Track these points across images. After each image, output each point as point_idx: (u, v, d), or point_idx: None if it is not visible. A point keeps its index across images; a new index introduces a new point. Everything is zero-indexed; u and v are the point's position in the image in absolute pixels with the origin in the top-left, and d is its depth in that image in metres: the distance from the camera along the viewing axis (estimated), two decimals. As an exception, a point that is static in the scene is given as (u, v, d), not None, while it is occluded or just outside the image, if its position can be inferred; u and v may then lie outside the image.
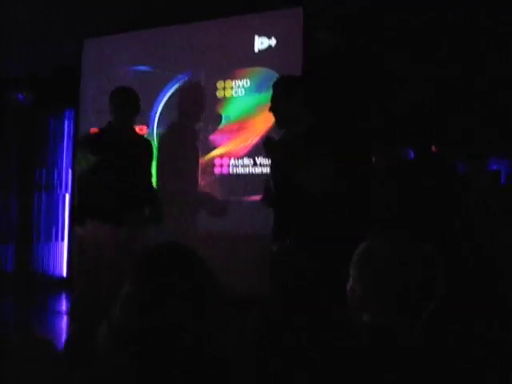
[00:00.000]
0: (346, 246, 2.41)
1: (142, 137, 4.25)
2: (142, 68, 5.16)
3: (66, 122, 7.15)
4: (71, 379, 1.37)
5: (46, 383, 1.39)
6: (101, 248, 3.45)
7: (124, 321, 1.32)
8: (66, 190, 7.00)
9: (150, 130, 5.04)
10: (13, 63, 6.13)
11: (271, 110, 3.05)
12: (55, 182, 7.15)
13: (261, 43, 4.64)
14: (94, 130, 4.52)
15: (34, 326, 4.68)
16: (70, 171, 6.87)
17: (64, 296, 6.28)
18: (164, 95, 5.02)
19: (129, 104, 3.61)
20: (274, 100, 3.05)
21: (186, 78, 4.95)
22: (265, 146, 3.04)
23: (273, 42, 4.62)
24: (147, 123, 5.04)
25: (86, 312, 3.47)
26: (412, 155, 4.90)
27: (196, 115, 4.93)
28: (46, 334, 4.31)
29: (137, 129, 4.87)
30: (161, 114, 5.05)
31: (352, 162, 2.97)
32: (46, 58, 5.91)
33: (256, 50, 4.67)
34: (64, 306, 6.01)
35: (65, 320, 5.10)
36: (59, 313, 5.62)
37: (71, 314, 3.74)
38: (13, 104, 6.66)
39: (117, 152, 3.54)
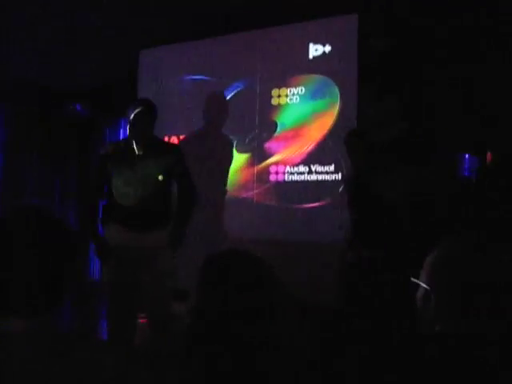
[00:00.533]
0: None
1: (165, 143, 4.23)
2: (198, 77, 5.22)
3: (122, 131, 7.29)
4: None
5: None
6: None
7: (196, 326, 1.34)
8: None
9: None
10: (71, 75, 6.28)
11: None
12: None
13: (315, 50, 4.64)
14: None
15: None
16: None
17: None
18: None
19: (143, 119, 3.53)
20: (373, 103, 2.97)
21: (242, 87, 4.99)
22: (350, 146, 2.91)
23: (327, 48, 4.61)
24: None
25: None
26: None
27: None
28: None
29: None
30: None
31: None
32: (104, 68, 6.04)
33: (311, 57, 4.67)
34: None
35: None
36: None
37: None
38: (71, 114, 6.83)
39: (133, 162, 3.53)
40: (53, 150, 7.07)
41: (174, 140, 5.13)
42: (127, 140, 3.62)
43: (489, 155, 4.60)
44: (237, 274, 1.37)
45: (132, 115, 3.49)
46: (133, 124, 3.50)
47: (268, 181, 4.79)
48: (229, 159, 4.95)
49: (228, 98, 5.07)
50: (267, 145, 4.83)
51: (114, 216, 3.51)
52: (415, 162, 2.74)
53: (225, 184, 4.95)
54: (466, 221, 3.47)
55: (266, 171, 4.80)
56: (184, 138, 5.19)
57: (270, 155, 4.80)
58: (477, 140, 4.41)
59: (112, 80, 6.19)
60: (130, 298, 3.48)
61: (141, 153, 3.52)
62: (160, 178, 3.51)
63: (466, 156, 4.93)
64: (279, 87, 4.81)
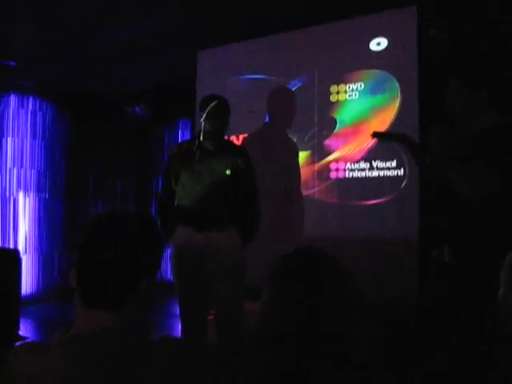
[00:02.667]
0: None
1: (235, 145, 4.18)
2: (255, 76, 5.23)
3: (180, 132, 7.39)
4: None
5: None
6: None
7: (266, 325, 1.34)
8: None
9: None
10: (129, 77, 6.40)
11: (446, 108, 2.74)
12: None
13: (375, 45, 4.59)
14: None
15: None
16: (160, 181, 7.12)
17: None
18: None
19: (220, 112, 3.55)
20: (449, 95, 2.73)
21: (300, 84, 4.97)
22: (434, 136, 2.73)
23: (386, 42, 4.55)
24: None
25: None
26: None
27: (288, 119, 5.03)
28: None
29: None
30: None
31: None
32: (162, 70, 6.12)
33: (370, 51, 4.61)
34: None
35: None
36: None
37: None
38: (130, 117, 6.96)
39: (203, 161, 3.53)
40: (114, 154, 7.23)
41: (234, 140, 5.16)
42: (196, 137, 3.63)
43: None
44: (315, 271, 1.36)
45: (208, 109, 3.50)
46: (210, 116, 3.50)
47: (329, 178, 4.76)
48: (298, 160, 4.97)
49: (286, 96, 5.07)
50: (327, 142, 4.80)
51: (182, 217, 3.55)
52: (498, 160, 2.52)
53: (298, 184, 4.94)
54: None
55: (326, 168, 4.78)
56: (247, 137, 5.20)
57: (329, 152, 4.77)
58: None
59: (170, 82, 6.28)
60: (201, 296, 3.52)
61: (212, 149, 3.55)
62: (228, 172, 3.52)
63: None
64: (338, 83, 4.78)
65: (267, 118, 5.11)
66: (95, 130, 7.03)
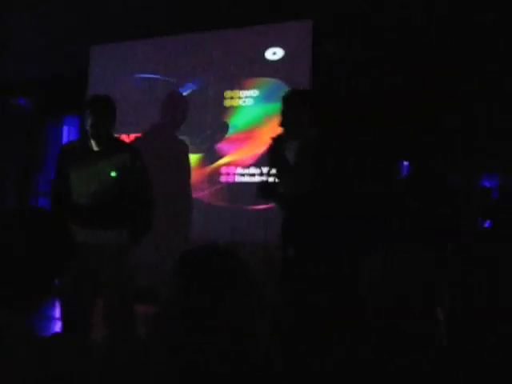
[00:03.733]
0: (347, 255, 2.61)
1: (124, 143, 4.17)
2: (149, 76, 5.18)
3: (66, 128, 7.16)
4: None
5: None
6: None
7: (166, 323, 1.34)
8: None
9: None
10: (18, 68, 6.13)
11: (281, 123, 3.20)
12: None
13: (272, 53, 4.69)
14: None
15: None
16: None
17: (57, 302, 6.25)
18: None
19: (105, 113, 3.51)
20: (284, 112, 3.19)
21: (194, 87, 4.98)
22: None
23: (281, 53, 4.67)
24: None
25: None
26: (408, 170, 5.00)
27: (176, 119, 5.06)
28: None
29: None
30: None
31: (351, 173, 3.10)
32: (52, 63, 5.91)
33: (265, 60, 4.71)
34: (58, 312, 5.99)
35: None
36: (54, 318, 5.61)
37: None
38: (14, 109, 6.65)
39: (89, 161, 3.51)
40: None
41: (124, 138, 5.06)
42: (85, 137, 3.58)
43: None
44: (215, 267, 1.37)
45: (91, 110, 3.45)
46: (92, 119, 3.45)
47: (219, 182, 4.80)
48: (188, 162, 4.97)
49: (180, 97, 5.06)
50: (219, 146, 4.84)
51: (71, 215, 3.48)
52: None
53: (186, 185, 4.94)
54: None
55: (217, 172, 4.81)
56: (139, 136, 5.13)
57: (221, 156, 4.82)
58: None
59: (60, 75, 6.07)
60: (84, 295, 3.45)
61: (97, 149, 3.50)
62: (113, 174, 3.49)
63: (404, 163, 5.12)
64: (232, 89, 4.84)
65: (159, 119, 5.06)
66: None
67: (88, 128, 3.49)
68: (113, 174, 3.49)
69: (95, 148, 3.51)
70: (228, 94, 4.86)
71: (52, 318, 5.51)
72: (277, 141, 3.21)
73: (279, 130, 4.56)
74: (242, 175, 4.70)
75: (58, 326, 5.03)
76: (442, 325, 1.52)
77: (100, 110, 3.48)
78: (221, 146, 4.83)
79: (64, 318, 3.54)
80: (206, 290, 1.30)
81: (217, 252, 1.42)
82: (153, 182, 3.67)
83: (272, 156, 3.27)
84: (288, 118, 3.17)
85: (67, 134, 7.15)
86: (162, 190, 4.76)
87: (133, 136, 5.11)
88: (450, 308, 1.54)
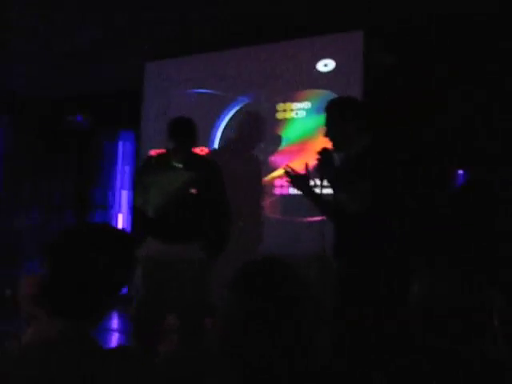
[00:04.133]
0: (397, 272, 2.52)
1: (205, 158, 4.26)
2: (203, 90, 5.26)
3: (121, 143, 7.31)
4: None
5: None
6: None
7: (227, 334, 1.35)
8: (120, 210, 7.14)
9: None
10: (74, 85, 6.31)
11: (326, 133, 3.13)
12: (109, 201, 7.31)
13: (322, 66, 4.70)
14: (153, 151, 4.63)
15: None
16: (123, 192, 7.05)
17: (116, 315, 6.37)
18: (224, 117, 5.10)
19: (186, 135, 3.67)
20: (328, 123, 3.12)
21: (247, 101, 5.03)
22: (321, 158, 3.09)
23: (333, 64, 4.67)
24: (207, 145, 5.13)
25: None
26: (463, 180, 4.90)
27: (252, 137, 5.00)
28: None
29: (198, 150, 4.98)
30: (221, 136, 5.13)
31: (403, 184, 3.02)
32: (108, 80, 6.07)
33: (317, 72, 4.72)
34: (116, 324, 6.11)
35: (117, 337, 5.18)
36: (113, 330, 5.70)
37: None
38: (71, 125, 6.84)
39: (169, 174, 3.61)
40: (52, 163, 7.07)
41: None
42: (165, 152, 3.72)
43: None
44: (277, 278, 1.38)
45: (173, 126, 3.62)
46: (176, 143, 3.60)
47: (274, 194, 4.83)
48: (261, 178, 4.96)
49: (233, 112, 5.10)
50: (272, 158, 4.87)
51: (149, 229, 3.59)
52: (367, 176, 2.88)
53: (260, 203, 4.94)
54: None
55: (271, 185, 4.84)
56: (212, 151, 5.17)
57: (275, 169, 4.84)
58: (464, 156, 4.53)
59: (115, 92, 6.22)
60: (157, 307, 3.53)
61: (178, 165, 3.60)
62: (193, 191, 3.57)
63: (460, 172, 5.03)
64: (285, 102, 4.87)
65: (233, 135, 5.11)
66: (34, 138, 6.87)
67: (173, 147, 3.65)
68: (192, 187, 3.60)
69: (176, 164, 3.61)
70: (281, 106, 4.89)
71: (112, 331, 5.64)
72: (323, 154, 3.13)
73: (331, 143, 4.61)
74: (296, 187, 4.70)
75: (116, 339, 5.15)
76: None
77: (184, 134, 3.65)
78: (274, 158, 4.86)
79: (135, 330, 3.61)
80: (267, 300, 1.32)
81: (277, 263, 1.44)
82: (232, 197, 3.75)
83: (320, 169, 3.18)
84: (330, 129, 3.10)
85: (122, 149, 7.31)
86: (238, 206, 4.81)
87: (198, 149, 5.14)
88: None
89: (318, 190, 4.57)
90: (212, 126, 5.14)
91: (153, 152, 4.62)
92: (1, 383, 1.32)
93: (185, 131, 3.66)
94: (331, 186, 3.20)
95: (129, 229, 6.52)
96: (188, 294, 3.54)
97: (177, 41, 5.12)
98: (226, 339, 1.36)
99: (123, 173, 7.25)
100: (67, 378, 1.31)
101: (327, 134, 3.11)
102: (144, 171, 3.77)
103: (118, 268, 1.44)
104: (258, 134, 5.00)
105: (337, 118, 3.06)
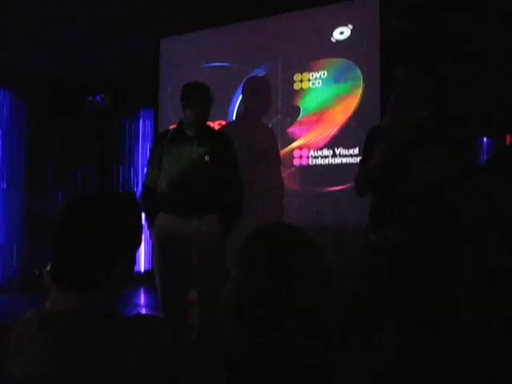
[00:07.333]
0: (456, 241, 2.38)
1: (217, 132, 4.22)
2: (219, 64, 5.24)
3: (141, 122, 7.34)
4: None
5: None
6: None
7: (235, 298, 1.34)
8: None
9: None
10: (90, 65, 6.32)
11: (399, 92, 2.93)
12: (132, 179, 7.37)
13: (338, 34, 4.64)
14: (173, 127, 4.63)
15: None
16: (145, 169, 7.09)
17: (142, 291, 6.47)
18: (241, 90, 5.07)
19: (201, 99, 3.61)
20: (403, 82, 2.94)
21: (263, 72, 5.00)
22: (391, 124, 2.91)
23: (349, 32, 4.61)
24: (225, 118, 5.13)
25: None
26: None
27: (264, 107, 4.95)
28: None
29: (216, 124, 4.98)
30: (238, 109, 5.12)
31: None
32: (123, 58, 6.07)
33: (333, 40, 4.66)
34: (142, 300, 6.20)
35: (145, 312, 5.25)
36: (139, 306, 5.80)
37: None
38: (91, 105, 6.88)
39: (183, 147, 3.59)
40: (74, 143, 7.13)
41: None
42: (180, 124, 3.69)
43: (508, 138, 4.59)
44: (285, 242, 1.37)
45: (194, 98, 3.56)
46: (195, 107, 3.55)
47: (292, 165, 4.81)
48: (277, 147, 4.89)
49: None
50: (290, 129, 4.84)
51: (162, 203, 3.58)
52: (442, 143, 2.75)
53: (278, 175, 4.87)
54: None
55: (289, 156, 4.82)
56: (226, 124, 5.12)
57: (293, 140, 4.82)
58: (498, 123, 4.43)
59: (132, 70, 6.22)
60: (179, 283, 3.57)
61: (192, 135, 3.58)
62: (207, 158, 3.54)
63: (485, 140, 4.94)
64: (301, 72, 4.82)
65: (242, 106, 5.06)
66: (55, 119, 6.92)
67: (188, 115, 3.59)
68: (207, 157, 3.56)
69: (190, 133, 3.60)
70: (297, 76, 4.85)
71: (139, 307, 5.72)
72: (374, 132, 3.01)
73: (350, 111, 4.56)
74: (315, 157, 4.69)
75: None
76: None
77: (203, 98, 3.58)
78: (292, 129, 4.83)
79: (161, 303, 3.65)
80: (272, 268, 1.30)
81: (286, 228, 1.43)
82: (245, 169, 3.71)
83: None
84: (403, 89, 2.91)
85: (143, 127, 7.35)
86: (255, 178, 4.80)
87: (216, 124, 5.14)
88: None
89: (338, 160, 4.58)
90: (229, 100, 5.12)
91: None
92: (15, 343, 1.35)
93: (200, 95, 3.60)
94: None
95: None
96: (206, 268, 3.53)
97: (190, 15, 5.09)
98: (233, 310, 1.35)
99: (144, 151, 7.29)
100: (79, 347, 1.33)
101: (396, 97, 2.91)
102: (157, 146, 3.75)
103: (122, 231, 1.43)
104: (269, 99, 4.93)
105: (410, 75, 2.91)
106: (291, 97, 4.86)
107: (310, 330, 1.28)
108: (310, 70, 4.77)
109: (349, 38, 4.61)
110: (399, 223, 2.83)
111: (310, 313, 1.29)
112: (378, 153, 2.90)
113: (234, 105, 5.13)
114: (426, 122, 2.86)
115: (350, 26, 4.60)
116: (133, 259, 1.50)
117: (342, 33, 4.64)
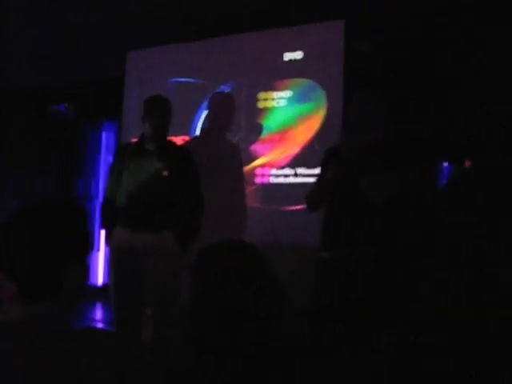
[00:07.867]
0: (406, 258, 2.44)
1: (178, 146, 4.18)
2: (184, 79, 5.24)
3: (104, 134, 7.27)
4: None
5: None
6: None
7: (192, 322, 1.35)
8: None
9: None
10: (57, 74, 6.26)
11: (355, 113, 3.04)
12: (92, 192, 7.27)
13: (305, 54, 4.70)
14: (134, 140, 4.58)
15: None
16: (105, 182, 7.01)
17: (99, 305, 6.36)
18: (205, 107, 5.08)
19: (161, 111, 3.57)
20: (359, 105, 3.04)
21: (228, 90, 5.02)
22: (345, 145, 2.99)
23: (315, 52, 4.67)
24: (189, 134, 5.12)
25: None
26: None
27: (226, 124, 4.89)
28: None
29: (179, 139, 4.94)
30: (202, 124, 5.11)
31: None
32: (90, 69, 6.03)
33: (299, 61, 4.73)
34: (98, 314, 6.09)
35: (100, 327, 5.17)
36: (94, 320, 5.69)
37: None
38: (54, 115, 6.80)
39: (142, 161, 3.56)
40: (34, 153, 7.02)
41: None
42: (141, 137, 3.65)
43: (467, 164, 4.68)
44: (233, 266, 1.36)
45: (154, 110, 3.52)
46: (155, 119, 3.51)
47: (253, 183, 4.82)
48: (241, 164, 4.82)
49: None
50: (253, 147, 4.87)
51: (119, 217, 3.53)
52: (395, 166, 2.83)
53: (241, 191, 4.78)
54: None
55: (251, 173, 4.83)
56: (188, 141, 5.03)
57: (255, 158, 4.84)
58: (458, 148, 4.50)
59: (97, 82, 6.18)
60: (134, 298, 3.49)
61: (152, 148, 3.55)
62: (165, 173, 3.50)
63: (445, 164, 5.02)
64: (266, 90, 4.86)
65: (206, 122, 5.02)
66: (17, 127, 6.82)
67: (148, 127, 3.54)
68: (165, 173, 3.51)
69: (150, 147, 3.57)
70: (262, 95, 4.89)
71: (95, 321, 5.62)
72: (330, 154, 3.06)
73: (313, 131, 4.60)
74: (277, 176, 4.72)
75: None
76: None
77: (163, 111, 3.55)
78: (255, 147, 4.86)
79: (116, 319, 3.57)
80: (225, 287, 1.31)
81: (232, 246, 1.43)
82: (208, 185, 3.68)
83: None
84: (359, 110, 3.03)
85: (106, 139, 7.27)
86: (217, 194, 4.73)
87: (180, 138, 5.07)
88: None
89: (299, 179, 4.60)
90: (193, 115, 5.13)
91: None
92: None
93: (161, 107, 3.57)
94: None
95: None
96: (160, 285, 3.47)
97: (158, 30, 5.10)
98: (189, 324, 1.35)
99: (106, 163, 7.21)
100: (29, 357, 1.30)
101: (353, 120, 3.04)
102: (118, 158, 3.71)
103: (67, 237, 1.41)
104: (233, 115, 4.88)
105: (368, 100, 3.01)
106: (255, 115, 4.90)
107: (260, 346, 1.28)
108: (274, 89, 4.82)
109: (314, 58, 4.67)
110: (349, 241, 2.90)
111: (260, 331, 1.30)
112: (330, 173, 2.98)
113: (198, 120, 5.13)
114: (381, 145, 2.93)
115: (316, 48, 4.66)
116: (84, 268, 1.47)
117: (307, 54, 4.69)
